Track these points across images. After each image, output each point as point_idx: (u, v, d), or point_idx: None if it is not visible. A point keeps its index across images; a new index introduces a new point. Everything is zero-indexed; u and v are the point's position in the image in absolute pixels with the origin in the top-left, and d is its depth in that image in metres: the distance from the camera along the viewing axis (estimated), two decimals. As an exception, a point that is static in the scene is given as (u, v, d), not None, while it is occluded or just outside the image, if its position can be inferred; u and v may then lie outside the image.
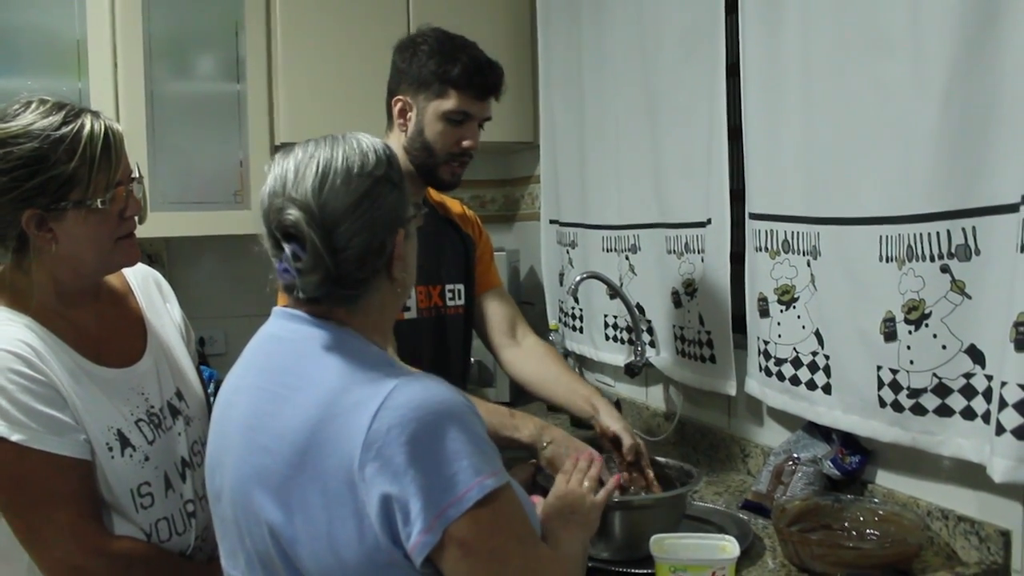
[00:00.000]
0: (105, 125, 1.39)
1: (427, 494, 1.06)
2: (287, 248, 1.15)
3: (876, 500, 1.73)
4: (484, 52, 1.95)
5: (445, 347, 2.05)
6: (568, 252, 2.91)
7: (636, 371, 2.51)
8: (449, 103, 1.88)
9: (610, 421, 1.89)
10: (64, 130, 1.34)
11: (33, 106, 1.37)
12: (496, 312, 2.18)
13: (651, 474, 1.82)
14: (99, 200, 1.37)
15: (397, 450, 1.06)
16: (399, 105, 1.93)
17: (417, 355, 1.91)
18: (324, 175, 1.17)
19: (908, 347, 1.59)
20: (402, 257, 1.23)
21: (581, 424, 2.33)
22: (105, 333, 1.48)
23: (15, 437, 1.30)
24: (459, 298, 2.08)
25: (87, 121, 1.37)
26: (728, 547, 1.44)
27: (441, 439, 1.09)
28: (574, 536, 1.37)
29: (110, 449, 1.40)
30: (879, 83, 1.62)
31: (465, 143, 1.92)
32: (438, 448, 1.08)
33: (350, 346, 1.18)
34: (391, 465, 1.06)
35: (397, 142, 1.91)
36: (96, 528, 1.37)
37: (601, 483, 1.50)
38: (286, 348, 1.22)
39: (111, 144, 1.38)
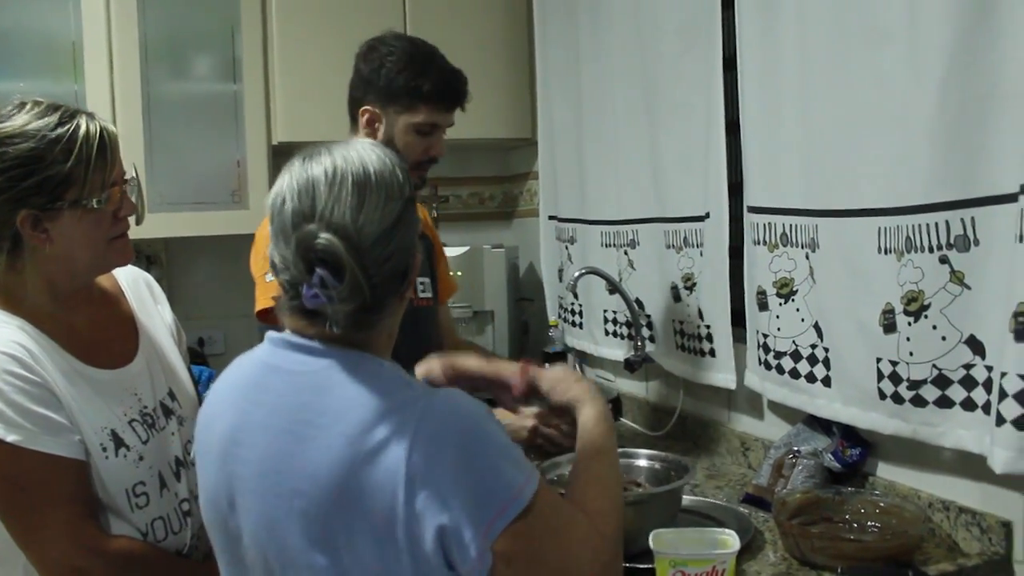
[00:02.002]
0: (100, 126, 1.39)
1: (474, 516, 1.06)
2: (319, 273, 1.08)
3: (877, 492, 1.73)
4: (447, 61, 1.96)
5: (418, 338, 2.06)
6: (567, 248, 2.90)
7: (636, 366, 2.50)
8: (419, 117, 1.91)
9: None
10: (60, 130, 1.34)
11: (28, 107, 1.37)
12: (447, 320, 2.28)
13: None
14: (95, 200, 1.37)
15: (440, 477, 1.05)
16: (367, 116, 1.94)
17: (395, 346, 1.93)
18: (361, 197, 1.12)
19: (908, 339, 1.58)
20: (416, 277, 1.21)
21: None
22: (97, 334, 1.48)
23: (11, 438, 1.30)
24: (428, 291, 2.11)
25: (82, 122, 1.37)
26: (729, 541, 1.44)
27: (478, 457, 1.08)
28: (603, 415, 1.34)
29: (104, 449, 1.39)
30: (876, 74, 1.61)
31: (432, 152, 1.96)
32: (476, 467, 1.08)
33: (367, 372, 1.14)
34: (439, 494, 1.05)
35: None
36: (93, 528, 1.37)
37: None
38: (299, 383, 1.15)
39: (106, 144, 1.39)
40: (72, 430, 1.36)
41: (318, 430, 1.10)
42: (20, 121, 1.34)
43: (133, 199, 1.45)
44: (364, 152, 1.17)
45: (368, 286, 1.10)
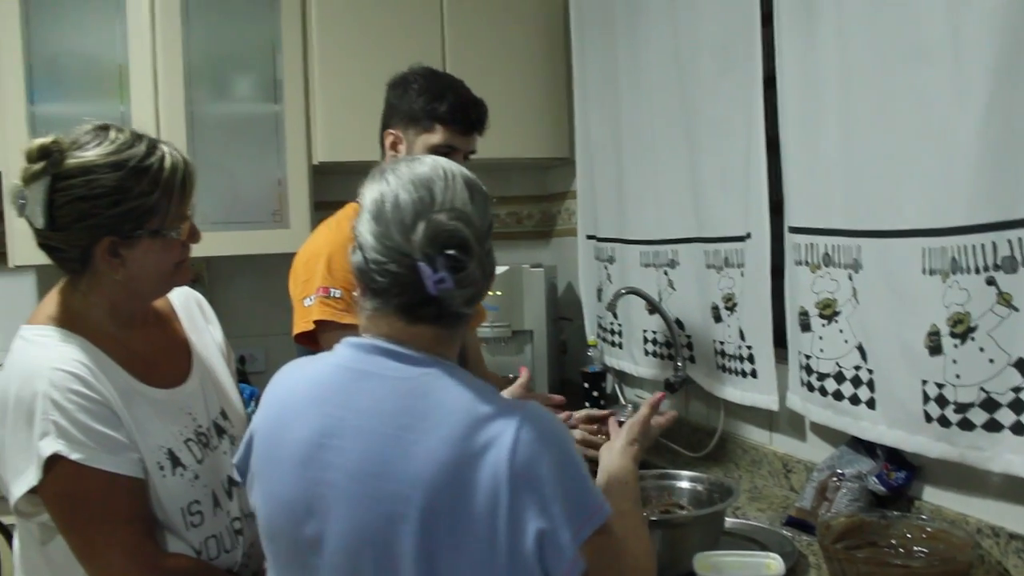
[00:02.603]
0: (182, 158, 1.43)
1: (570, 519, 1.09)
2: (451, 254, 1.13)
3: (924, 517, 1.70)
4: (470, 90, 2.06)
5: None
6: (606, 267, 2.90)
7: (676, 387, 2.49)
8: (436, 137, 2.00)
9: None
10: (147, 162, 1.38)
11: (111, 135, 1.39)
12: (475, 349, 2.34)
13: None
14: (174, 231, 1.41)
15: (542, 480, 1.09)
16: (390, 139, 2.05)
17: None
18: (471, 194, 1.20)
19: (954, 361, 1.56)
20: None
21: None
22: (152, 354, 1.50)
23: (74, 456, 1.32)
24: None
25: (166, 153, 1.41)
26: (773, 565, 1.43)
27: (570, 464, 1.13)
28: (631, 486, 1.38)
29: (161, 468, 1.41)
30: (919, 92, 1.60)
31: None
32: (570, 473, 1.12)
33: (463, 379, 1.17)
34: (540, 496, 1.09)
35: None
36: (151, 546, 1.39)
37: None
38: (399, 388, 1.17)
39: (187, 176, 1.42)
40: (131, 448, 1.38)
41: (421, 434, 1.12)
42: (106, 149, 1.37)
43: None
44: (455, 162, 1.26)
45: (489, 273, 1.19)
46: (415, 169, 1.20)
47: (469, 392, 1.16)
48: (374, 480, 1.13)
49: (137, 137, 1.40)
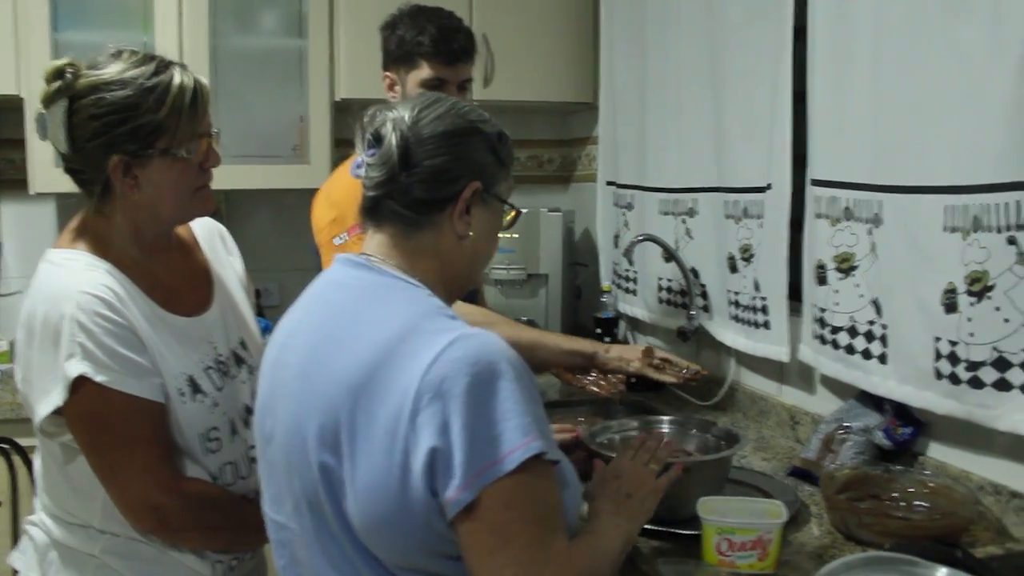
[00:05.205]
0: (193, 78, 1.43)
1: (471, 451, 1.04)
2: (367, 139, 1.26)
3: (927, 472, 1.72)
4: (455, 19, 2.08)
5: None
6: (624, 214, 2.90)
7: (688, 335, 2.50)
8: (423, 72, 2.03)
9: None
10: (155, 80, 1.38)
11: (124, 56, 1.40)
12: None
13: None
14: (184, 150, 1.41)
15: (449, 402, 1.05)
16: (387, 81, 2.09)
17: None
18: (435, 107, 1.26)
19: (969, 319, 1.56)
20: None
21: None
22: (176, 282, 1.52)
23: (99, 378, 1.34)
24: None
25: (176, 73, 1.41)
26: (776, 511, 1.45)
27: (494, 396, 1.06)
28: (620, 527, 1.28)
29: (182, 394, 1.44)
30: (954, 47, 1.57)
31: None
32: (490, 405, 1.06)
33: (413, 295, 1.19)
34: (441, 417, 1.05)
35: None
36: (171, 469, 1.42)
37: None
38: (347, 295, 1.22)
39: (198, 96, 1.42)
40: (154, 373, 1.40)
41: (352, 337, 1.15)
42: (116, 68, 1.38)
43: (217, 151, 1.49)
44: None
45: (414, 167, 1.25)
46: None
47: (416, 306, 1.17)
48: (306, 377, 1.18)
49: (149, 58, 1.41)
